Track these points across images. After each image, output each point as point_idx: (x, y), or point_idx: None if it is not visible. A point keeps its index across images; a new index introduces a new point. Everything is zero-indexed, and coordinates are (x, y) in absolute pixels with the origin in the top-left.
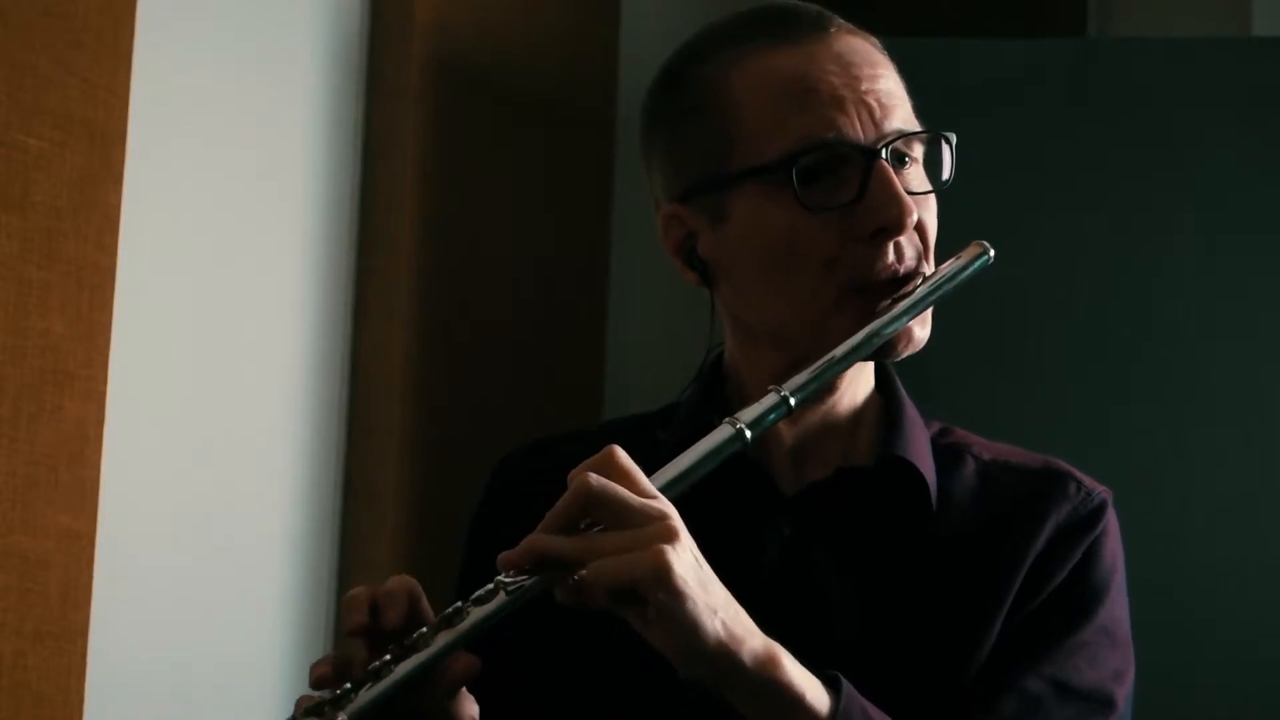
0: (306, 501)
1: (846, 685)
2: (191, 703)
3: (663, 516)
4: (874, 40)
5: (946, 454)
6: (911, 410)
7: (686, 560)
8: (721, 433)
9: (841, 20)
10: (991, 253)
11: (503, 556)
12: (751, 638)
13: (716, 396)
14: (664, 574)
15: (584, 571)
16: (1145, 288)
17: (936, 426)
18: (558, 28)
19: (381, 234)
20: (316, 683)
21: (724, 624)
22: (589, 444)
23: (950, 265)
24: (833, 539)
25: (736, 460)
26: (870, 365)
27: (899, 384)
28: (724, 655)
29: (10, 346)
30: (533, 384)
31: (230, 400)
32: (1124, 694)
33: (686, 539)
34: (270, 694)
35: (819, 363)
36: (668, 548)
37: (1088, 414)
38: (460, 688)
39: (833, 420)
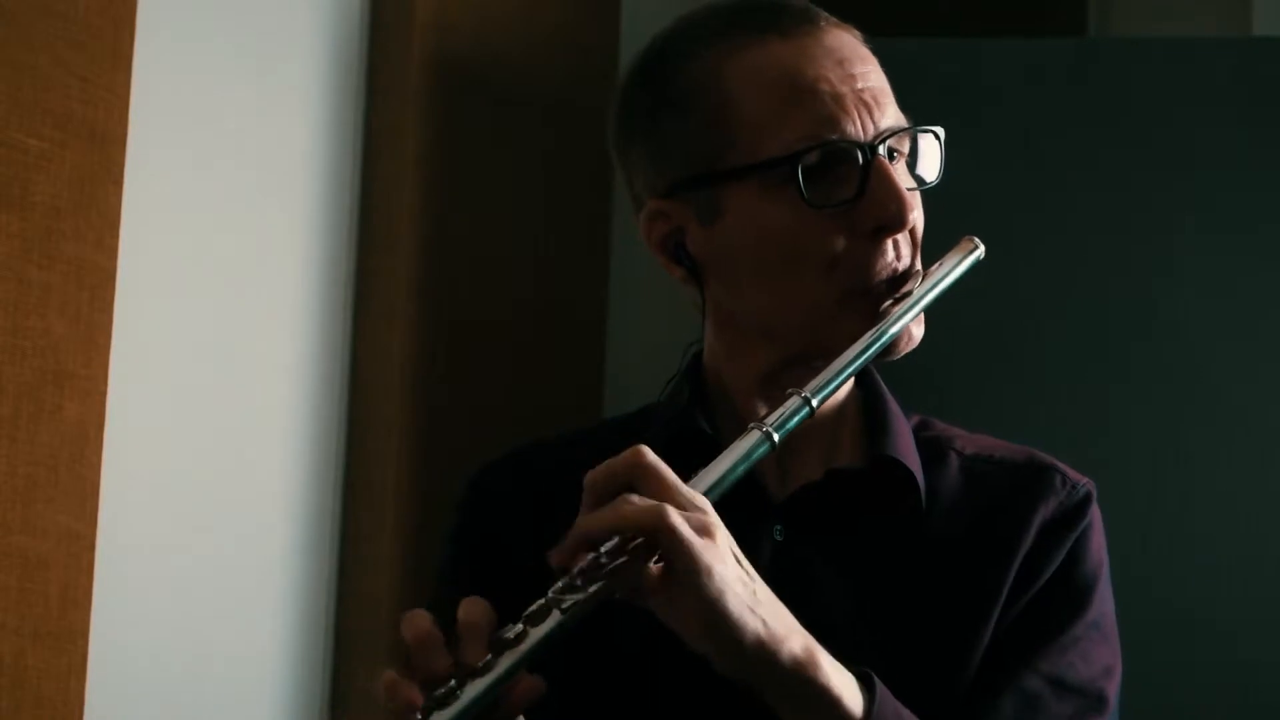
0: (306, 501)
1: (880, 685)
2: (192, 703)
3: (704, 511)
4: (858, 33)
5: (929, 449)
6: (894, 406)
7: (728, 556)
8: (750, 439)
9: (827, 14)
10: (982, 248)
11: (557, 554)
12: (793, 636)
13: (697, 396)
14: (710, 567)
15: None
16: (1145, 288)
17: (916, 419)
18: (558, 28)
19: (381, 234)
20: (404, 709)
21: (765, 621)
22: (570, 448)
23: (946, 262)
24: (824, 541)
25: None
26: None
27: (879, 379)
28: (763, 653)
29: (10, 346)
30: (533, 384)
31: (230, 400)
32: (1114, 690)
33: (724, 536)
34: (271, 693)
35: (833, 365)
36: (712, 543)
37: (1086, 414)
38: (522, 712)
39: (817, 419)
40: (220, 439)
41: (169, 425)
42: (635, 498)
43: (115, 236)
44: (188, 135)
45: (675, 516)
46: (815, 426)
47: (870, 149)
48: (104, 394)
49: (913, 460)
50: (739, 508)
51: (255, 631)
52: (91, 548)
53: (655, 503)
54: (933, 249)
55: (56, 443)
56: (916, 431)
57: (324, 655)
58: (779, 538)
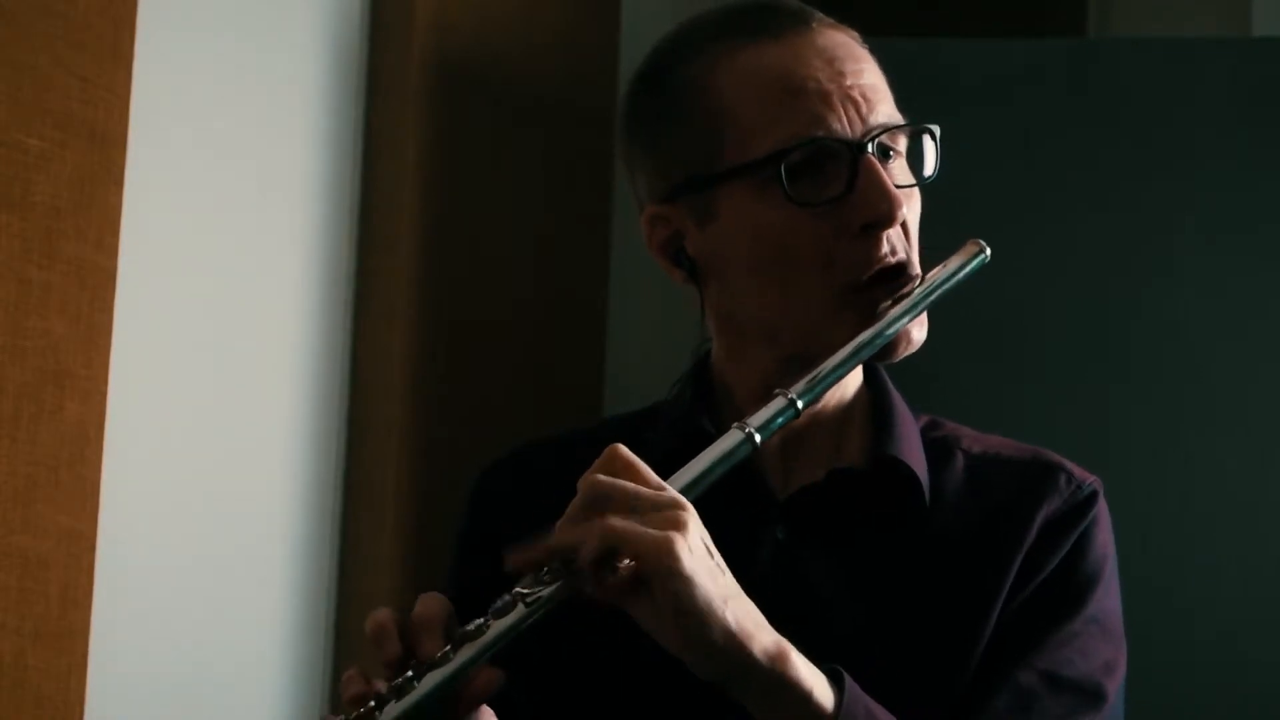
0: (306, 501)
1: (849, 681)
2: (191, 702)
3: (675, 505)
4: (854, 34)
5: (936, 448)
6: (901, 405)
7: (695, 549)
8: (731, 438)
9: (821, 14)
10: (988, 251)
11: (513, 557)
12: (762, 632)
13: (704, 398)
14: (671, 561)
15: (590, 551)
16: (1145, 288)
17: (925, 419)
18: (558, 28)
19: (381, 234)
20: (351, 701)
21: (734, 616)
22: (571, 447)
23: (948, 265)
24: (826, 540)
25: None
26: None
27: (887, 379)
28: (734, 648)
29: (10, 346)
30: (533, 384)
31: (230, 400)
32: (1114, 686)
33: (696, 528)
34: (270, 694)
35: (822, 366)
36: (676, 535)
37: (1086, 414)
38: (481, 703)
39: (822, 419)
40: (220, 439)
41: (169, 425)
42: (612, 521)
43: (115, 236)
44: (188, 135)
45: (648, 533)
46: (821, 427)
47: (858, 146)
48: (104, 394)
49: (917, 460)
50: (741, 507)
51: (255, 631)
52: (91, 548)
53: (625, 525)
54: (933, 250)
55: (56, 443)
56: (925, 431)
57: (324, 655)
58: (780, 537)
